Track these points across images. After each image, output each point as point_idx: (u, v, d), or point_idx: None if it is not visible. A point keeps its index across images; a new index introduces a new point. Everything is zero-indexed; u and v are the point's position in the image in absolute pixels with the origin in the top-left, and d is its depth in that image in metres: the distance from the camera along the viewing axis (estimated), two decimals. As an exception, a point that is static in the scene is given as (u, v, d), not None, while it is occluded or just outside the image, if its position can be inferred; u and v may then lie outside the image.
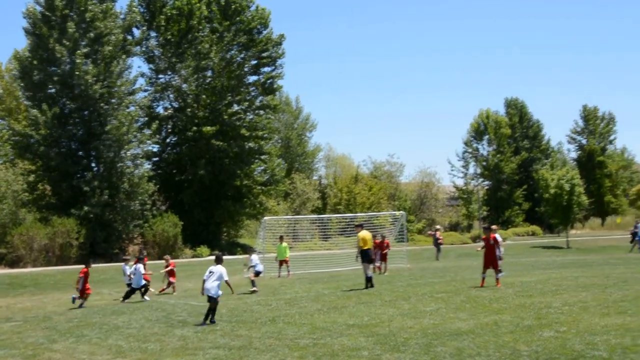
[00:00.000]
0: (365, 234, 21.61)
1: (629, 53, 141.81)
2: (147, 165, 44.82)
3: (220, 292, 14.84)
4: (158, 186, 43.78)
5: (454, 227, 66.17)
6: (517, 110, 77.85)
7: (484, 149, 73.91)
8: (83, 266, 20.45)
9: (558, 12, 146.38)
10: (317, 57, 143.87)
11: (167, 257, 25.07)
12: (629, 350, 9.59)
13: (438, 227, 42.65)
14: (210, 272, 14.89)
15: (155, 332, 13.63)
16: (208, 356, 10.89)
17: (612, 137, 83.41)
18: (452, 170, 73.93)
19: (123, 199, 39.45)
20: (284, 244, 28.59)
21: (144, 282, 20.85)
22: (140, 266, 21.07)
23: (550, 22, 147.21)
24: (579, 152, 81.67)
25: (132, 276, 21.08)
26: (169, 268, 23.53)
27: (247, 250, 23.69)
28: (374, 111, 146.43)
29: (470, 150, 72.99)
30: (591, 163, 77.01)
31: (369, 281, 20.63)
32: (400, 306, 15.87)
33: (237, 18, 48.07)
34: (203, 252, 40.93)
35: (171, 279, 23.41)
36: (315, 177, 72.74)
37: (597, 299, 15.33)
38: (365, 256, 21.12)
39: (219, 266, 15.04)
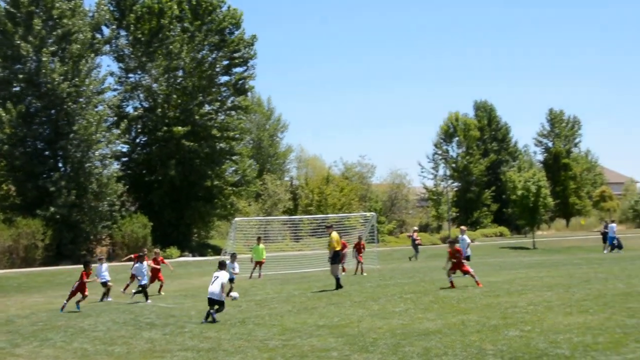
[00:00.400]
0: (335, 235, 21.73)
1: (595, 57, 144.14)
2: (116, 166, 44.31)
3: (224, 296, 15.30)
4: (127, 187, 43.37)
5: (423, 228, 66.62)
6: (486, 113, 78.75)
7: (454, 151, 74.73)
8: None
9: (527, 16, 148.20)
10: (289, 58, 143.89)
11: (157, 251, 24.91)
12: (590, 348, 9.81)
13: (416, 228, 43.11)
14: (215, 277, 15.46)
15: (122, 335, 13.51)
16: (176, 359, 10.85)
17: (577, 140, 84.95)
18: (422, 171, 74.49)
19: (91, 199, 38.99)
20: (261, 246, 28.70)
21: (145, 281, 20.23)
22: (145, 264, 20.62)
23: (519, 26, 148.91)
24: (545, 155, 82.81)
25: (139, 277, 20.71)
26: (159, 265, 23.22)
27: (231, 256, 23.59)
28: (346, 112, 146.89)
29: (440, 152, 73.62)
30: (557, 165, 78.15)
31: (338, 282, 20.80)
32: (369, 307, 15.99)
33: (209, 18, 47.79)
34: (173, 253, 40.71)
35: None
36: (286, 178, 72.69)
37: (561, 298, 15.63)
38: (336, 257, 21.31)
39: (223, 271, 15.67)
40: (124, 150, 47.64)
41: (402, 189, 70.64)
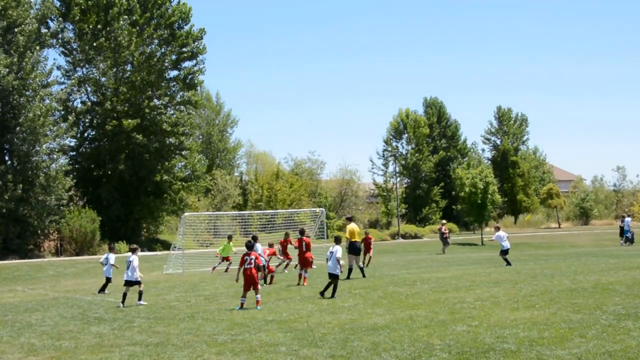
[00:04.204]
0: (353, 226, 22.16)
1: (541, 55, 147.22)
2: (63, 160, 43.49)
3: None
4: (75, 181, 42.67)
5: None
6: (435, 110, 79.56)
7: (403, 147, 75.30)
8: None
9: (476, 14, 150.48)
10: (239, 53, 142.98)
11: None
12: (535, 343, 9.98)
13: (444, 222, 43.75)
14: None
15: (70, 330, 13.31)
16: (124, 353, 10.70)
17: (524, 138, 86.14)
18: (372, 168, 75.05)
19: (38, 193, 38.20)
20: (232, 244, 28.64)
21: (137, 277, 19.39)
22: (135, 258, 19.87)
23: (468, 24, 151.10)
24: (493, 152, 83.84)
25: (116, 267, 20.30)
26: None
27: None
28: (296, 108, 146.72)
29: (390, 148, 74.15)
30: (505, 163, 79.25)
31: (350, 272, 21.61)
32: (318, 302, 16.03)
33: (158, 12, 47.18)
34: (121, 248, 40.12)
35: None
36: (236, 174, 72.36)
37: (508, 294, 15.89)
38: (353, 248, 21.82)
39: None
40: (72, 144, 46.81)
41: (352, 185, 71.05)
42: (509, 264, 25.50)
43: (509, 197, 75.46)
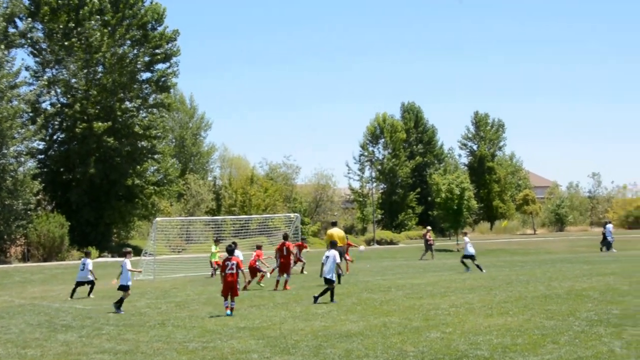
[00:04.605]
0: (332, 231, 22.30)
1: (518, 61, 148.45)
2: (31, 163, 42.76)
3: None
4: (43, 185, 41.88)
5: (348, 230, 67.02)
6: (413, 115, 79.55)
7: (380, 152, 75.33)
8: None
9: (453, 18, 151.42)
10: (213, 56, 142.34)
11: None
12: (508, 349, 9.91)
13: (429, 228, 43.63)
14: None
15: (36, 337, 12.97)
16: (91, 362, 10.43)
17: (501, 144, 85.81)
18: (348, 173, 74.98)
19: (5, 197, 37.46)
20: (218, 248, 28.40)
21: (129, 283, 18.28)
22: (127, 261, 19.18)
23: (446, 28, 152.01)
24: (470, 158, 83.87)
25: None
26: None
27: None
28: (271, 112, 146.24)
29: (366, 153, 74.14)
30: (481, 168, 79.51)
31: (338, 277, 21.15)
32: (292, 309, 15.83)
33: (130, 12, 46.60)
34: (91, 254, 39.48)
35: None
36: (209, 178, 71.80)
37: (482, 300, 15.83)
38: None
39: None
40: (40, 147, 46.03)
41: (327, 190, 70.93)
42: (472, 269, 26.02)
43: (485, 203, 75.75)
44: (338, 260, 17.29)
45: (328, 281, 16.98)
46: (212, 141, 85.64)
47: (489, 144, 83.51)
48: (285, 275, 21.35)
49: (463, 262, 26.95)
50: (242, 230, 36.47)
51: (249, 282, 22.02)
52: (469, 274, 24.23)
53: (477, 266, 26.06)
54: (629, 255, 36.19)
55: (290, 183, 69.42)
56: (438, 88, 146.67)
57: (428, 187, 66.76)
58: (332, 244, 17.90)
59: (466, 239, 27.84)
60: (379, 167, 73.59)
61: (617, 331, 10.85)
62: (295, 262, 26.97)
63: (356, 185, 73.91)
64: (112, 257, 41.58)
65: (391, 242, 58.16)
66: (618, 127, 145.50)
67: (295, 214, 35.83)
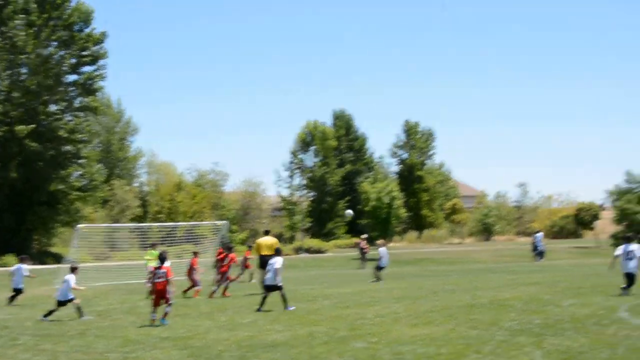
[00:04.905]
0: (261, 240, 21.98)
1: (450, 72, 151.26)
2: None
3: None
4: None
5: (276, 238, 66.62)
6: (343, 123, 79.73)
7: (310, 160, 75.18)
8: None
9: (383, 26, 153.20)
10: (141, 59, 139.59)
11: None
12: (432, 359, 9.91)
13: (364, 236, 43.25)
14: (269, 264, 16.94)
15: (-55, 349, 12.27)
16: (5, 374, 9.93)
17: (431, 153, 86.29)
18: (278, 180, 74.57)
19: None
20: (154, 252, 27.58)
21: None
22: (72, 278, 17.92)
23: (377, 36, 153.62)
24: (400, 166, 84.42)
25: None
26: None
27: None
28: (201, 118, 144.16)
29: (296, 161, 73.92)
30: (411, 177, 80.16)
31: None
32: (217, 318, 15.54)
33: (56, 12, 45.24)
34: (9, 261, 37.98)
35: None
36: (136, 184, 70.30)
37: (408, 309, 15.87)
38: (261, 263, 21.29)
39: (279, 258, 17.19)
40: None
41: (256, 197, 70.46)
42: (379, 280, 26.16)
43: (413, 212, 76.50)
44: (278, 266, 17.06)
45: (267, 288, 16.95)
46: (140, 146, 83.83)
47: (419, 152, 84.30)
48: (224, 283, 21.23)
49: (378, 274, 26.71)
50: (168, 237, 35.79)
51: (198, 291, 21.89)
52: (402, 283, 24.31)
53: (378, 277, 26.27)
54: (554, 265, 37.24)
55: (218, 190, 68.68)
56: (369, 96, 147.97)
57: (358, 196, 66.91)
58: (277, 251, 17.77)
59: (383, 249, 27.68)
60: (309, 174, 73.46)
61: (538, 340, 11.00)
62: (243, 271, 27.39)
63: (285, 193, 73.64)
64: (33, 264, 40.14)
65: (319, 251, 58.13)
66: (544, 138, 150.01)
67: (223, 222, 35.41)
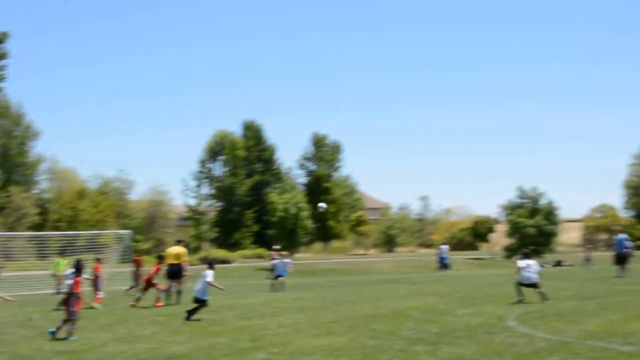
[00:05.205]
0: (170, 249, 21.94)
1: (352, 84, 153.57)
2: None
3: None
4: None
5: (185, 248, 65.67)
6: (253, 133, 79.51)
7: (219, 169, 74.56)
8: None
9: (296, 38, 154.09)
10: (46, 62, 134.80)
11: None
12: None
13: (277, 247, 42.37)
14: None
15: None
16: None
17: (338, 165, 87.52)
18: (185, 189, 73.48)
19: None
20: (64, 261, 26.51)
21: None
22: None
23: (288, 47, 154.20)
24: (308, 178, 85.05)
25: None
26: None
27: None
28: (105, 124, 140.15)
29: (204, 170, 73.14)
30: (318, 189, 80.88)
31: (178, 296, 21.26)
32: (116, 330, 15.15)
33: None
34: None
35: None
36: (35, 191, 67.55)
37: (311, 320, 16.01)
38: (169, 272, 21.43)
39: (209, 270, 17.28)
40: None
41: (162, 206, 69.20)
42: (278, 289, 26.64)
43: (320, 223, 77.13)
44: (208, 279, 17.13)
45: (195, 300, 17.00)
46: (41, 152, 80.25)
47: (327, 165, 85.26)
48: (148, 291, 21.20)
49: (276, 283, 27.31)
50: (69, 247, 34.58)
51: (99, 299, 21.40)
52: (307, 294, 24.47)
53: (275, 285, 26.89)
54: (451, 275, 38.42)
55: (123, 198, 67.03)
56: (279, 107, 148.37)
57: (265, 206, 66.87)
58: (210, 264, 17.97)
59: (277, 261, 28.24)
60: (217, 184, 72.83)
61: (433, 349, 11.35)
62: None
63: (193, 202, 72.74)
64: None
65: (225, 261, 57.61)
66: (446, 153, 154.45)
67: (127, 231, 34.62)
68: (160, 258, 22.44)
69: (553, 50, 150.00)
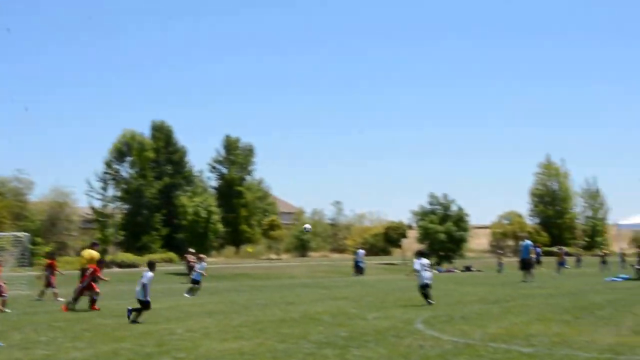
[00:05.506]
0: (84, 252, 21.86)
1: (265, 88, 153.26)
2: None
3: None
4: None
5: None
6: (163, 134, 77.93)
7: (126, 171, 72.54)
8: None
9: (205, 37, 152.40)
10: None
11: None
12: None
13: (192, 250, 41.15)
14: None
15: None
16: None
17: (251, 168, 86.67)
18: (89, 191, 70.98)
19: None
20: None
21: None
22: None
23: (197, 46, 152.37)
24: (219, 181, 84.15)
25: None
26: None
27: None
28: (4, 123, 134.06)
29: (111, 171, 71.02)
30: (230, 192, 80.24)
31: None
32: (10, 337, 14.33)
33: None
34: None
35: None
36: None
37: (220, 324, 15.73)
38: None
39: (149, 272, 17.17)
40: None
41: (65, 208, 66.75)
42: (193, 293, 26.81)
43: (232, 227, 76.46)
44: (144, 281, 16.91)
45: (139, 301, 16.86)
46: None
47: (239, 168, 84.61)
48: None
49: (194, 287, 27.38)
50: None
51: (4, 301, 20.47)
52: (216, 297, 24.21)
53: (191, 291, 26.97)
54: (363, 280, 38.81)
55: (22, 199, 64.22)
56: (190, 109, 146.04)
57: (175, 209, 65.59)
58: (150, 265, 17.83)
59: (202, 264, 28.30)
60: (124, 186, 70.86)
61: (342, 352, 11.31)
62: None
63: (98, 204, 70.42)
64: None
65: (132, 265, 56.25)
66: (359, 158, 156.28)
67: (25, 234, 33.17)
68: (100, 262, 22.02)
69: (464, 59, 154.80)
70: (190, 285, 27.99)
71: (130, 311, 16.73)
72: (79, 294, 20.82)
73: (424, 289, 19.54)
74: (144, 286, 16.89)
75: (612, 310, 17.11)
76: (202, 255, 31.13)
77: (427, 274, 19.74)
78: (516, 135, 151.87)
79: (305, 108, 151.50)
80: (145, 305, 16.86)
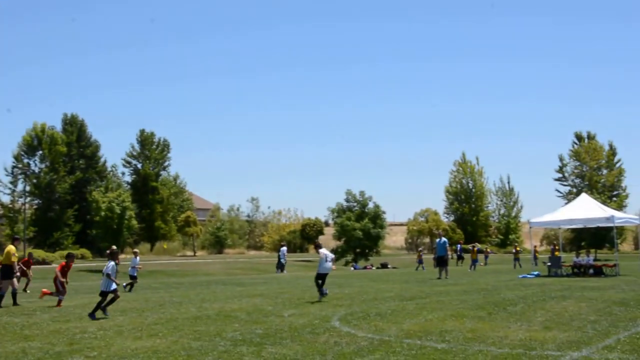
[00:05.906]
0: (10, 247, 20.97)
1: (183, 82, 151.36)
2: None
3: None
4: None
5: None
6: (75, 128, 75.99)
7: (37, 165, 70.21)
8: None
9: (118, 29, 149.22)
10: None
11: None
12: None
13: (136, 250, 39.58)
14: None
15: None
16: None
17: (166, 164, 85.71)
18: (-2, 186, 68.37)
19: None
20: None
21: None
22: None
23: (113, 38, 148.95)
24: (134, 176, 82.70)
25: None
26: None
27: None
28: None
29: (20, 165, 68.55)
30: (145, 188, 79.01)
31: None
32: None
33: None
34: None
35: None
36: None
37: (133, 322, 15.48)
38: (5, 272, 20.39)
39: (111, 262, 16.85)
40: None
41: (-29, 203, 64.05)
42: (130, 289, 27.12)
43: (147, 224, 75.22)
44: (107, 271, 16.72)
45: (100, 292, 16.78)
46: None
47: (154, 163, 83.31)
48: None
49: (130, 284, 27.55)
50: None
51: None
52: (130, 296, 23.77)
53: (129, 286, 27.35)
54: (279, 277, 38.87)
55: None
56: (104, 102, 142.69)
57: (88, 205, 63.96)
58: (112, 254, 17.71)
59: (135, 259, 28.50)
60: (35, 181, 68.53)
61: (257, 350, 11.37)
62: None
63: (6, 199, 67.92)
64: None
65: (44, 262, 54.47)
66: (276, 154, 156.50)
67: None
68: (69, 256, 21.41)
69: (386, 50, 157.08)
70: (132, 281, 27.80)
71: (95, 309, 16.62)
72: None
73: (321, 278, 20.27)
74: (108, 276, 16.66)
75: (524, 306, 17.74)
76: (136, 250, 31.70)
77: (328, 265, 20.39)
78: (432, 133, 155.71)
79: (221, 104, 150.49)
80: (106, 296, 16.72)
